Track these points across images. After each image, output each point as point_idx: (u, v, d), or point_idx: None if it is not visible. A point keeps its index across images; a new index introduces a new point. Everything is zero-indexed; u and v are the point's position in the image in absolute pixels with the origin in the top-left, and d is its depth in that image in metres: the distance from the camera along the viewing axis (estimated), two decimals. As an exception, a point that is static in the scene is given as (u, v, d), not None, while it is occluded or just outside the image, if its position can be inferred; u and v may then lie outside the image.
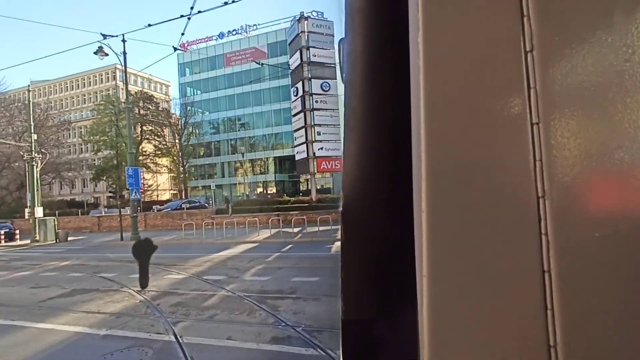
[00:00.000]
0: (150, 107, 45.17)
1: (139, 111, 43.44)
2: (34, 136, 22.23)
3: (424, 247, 0.45)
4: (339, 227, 0.62)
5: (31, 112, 22.08)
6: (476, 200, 0.44)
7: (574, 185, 0.41)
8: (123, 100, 38.85)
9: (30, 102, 21.87)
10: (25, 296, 8.26)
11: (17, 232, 22.60)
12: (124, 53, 19.08)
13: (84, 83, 59.67)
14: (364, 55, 0.61)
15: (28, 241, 21.80)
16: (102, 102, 44.81)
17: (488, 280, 0.43)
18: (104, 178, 43.81)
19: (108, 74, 56.18)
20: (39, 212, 22.04)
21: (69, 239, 21.52)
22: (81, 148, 53.18)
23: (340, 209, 0.61)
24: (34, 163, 21.82)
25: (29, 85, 21.58)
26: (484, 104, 0.44)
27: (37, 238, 21.59)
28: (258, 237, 16.86)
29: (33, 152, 21.71)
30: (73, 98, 59.51)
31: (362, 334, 0.64)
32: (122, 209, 22.44)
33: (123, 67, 19.24)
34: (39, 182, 22.50)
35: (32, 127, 22.22)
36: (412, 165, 0.49)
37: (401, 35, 0.53)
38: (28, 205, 22.20)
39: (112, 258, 13.26)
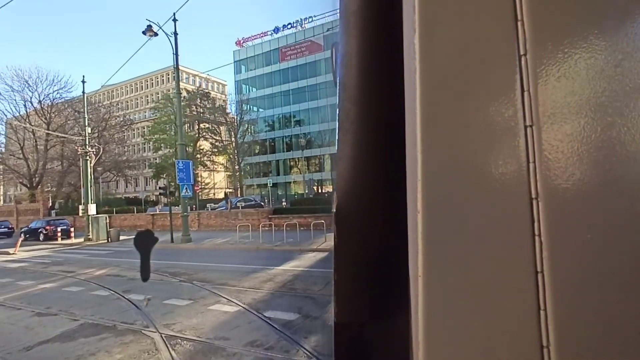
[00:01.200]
0: (207, 104, 44.23)
1: (196, 108, 42.62)
2: (88, 129, 20.85)
3: (419, 248, 0.45)
4: (332, 230, 0.60)
5: (85, 104, 20.67)
6: (471, 201, 0.44)
7: (566, 186, 0.41)
8: (183, 95, 38.32)
9: (85, 95, 20.47)
10: (14, 334, 5.57)
11: (72, 229, 21.33)
12: (175, 34, 16.79)
13: (146, 85, 60.94)
14: (358, 57, 0.59)
15: (81, 239, 20.44)
16: (162, 101, 44.57)
17: (482, 281, 0.43)
18: (164, 176, 43.52)
19: (168, 74, 56.67)
20: (92, 209, 20.63)
21: (121, 238, 19.79)
22: (143, 147, 53.97)
23: (334, 211, 0.59)
24: (87, 157, 20.37)
25: (83, 77, 20.21)
26: (479, 106, 0.44)
27: (90, 236, 20.12)
28: (326, 243, 13.50)
29: (87, 146, 20.25)
30: (137, 100, 60.96)
31: (355, 337, 0.63)
32: (175, 207, 20.39)
33: (174, 45, 16.95)
34: (92, 177, 21.05)
35: (86, 119, 20.83)
36: (407, 166, 0.49)
37: (396, 38, 0.53)
38: (82, 201, 20.83)
39: (153, 268, 10.65)
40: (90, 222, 20.21)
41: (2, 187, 48.25)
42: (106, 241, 19.45)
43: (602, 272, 0.40)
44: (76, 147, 22.70)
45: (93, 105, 38.61)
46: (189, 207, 19.17)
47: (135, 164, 47.33)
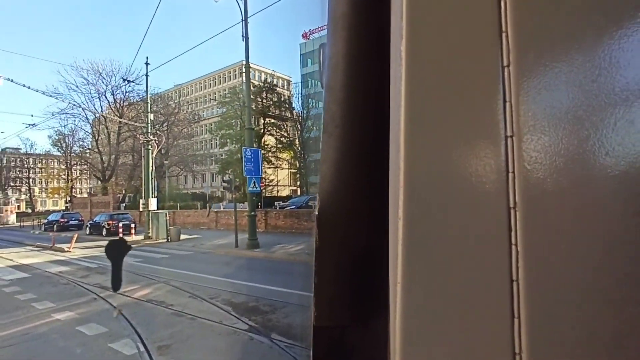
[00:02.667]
0: (273, 98, 41.99)
1: (261, 101, 40.52)
2: (151, 116, 18.68)
3: (399, 254, 0.45)
4: (314, 232, 0.59)
5: (148, 89, 18.46)
6: (450, 209, 0.44)
7: (544, 197, 0.41)
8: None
9: (148, 78, 18.28)
10: None
11: (133, 226, 19.36)
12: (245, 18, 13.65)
13: (214, 82, 60.82)
14: (345, 60, 0.59)
15: (141, 237, 18.29)
16: (229, 95, 43.21)
17: (459, 287, 0.44)
18: (229, 171, 42.24)
19: (235, 71, 55.80)
20: (153, 204, 18.40)
21: (182, 237, 17.26)
22: (210, 144, 53.53)
23: (315, 213, 0.59)
24: (149, 147, 18.15)
25: (147, 58, 18.04)
26: (462, 115, 0.45)
27: (150, 234, 17.87)
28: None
29: (148, 134, 18.02)
30: (205, 97, 61.08)
31: (334, 341, 0.63)
32: (240, 204, 17.48)
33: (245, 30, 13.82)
34: (154, 169, 18.84)
35: (149, 105, 18.65)
36: (390, 173, 0.49)
37: (383, 42, 0.52)
38: (143, 195, 18.69)
39: (212, 294, 7.25)
40: (150, 218, 17.97)
41: (83, 180, 50.37)
42: (165, 240, 17.02)
43: (576, 281, 0.40)
44: (138, 136, 20.75)
45: (164, 101, 38.08)
46: (256, 205, 16.03)
47: (202, 158, 46.58)
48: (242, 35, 14.21)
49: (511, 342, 0.41)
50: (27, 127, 16.76)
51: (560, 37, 0.42)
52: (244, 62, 14.68)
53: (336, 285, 0.61)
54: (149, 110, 18.71)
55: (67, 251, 14.62)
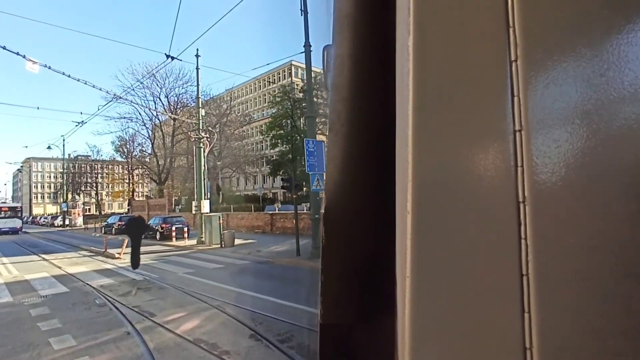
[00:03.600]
0: (324, 95, 39.98)
1: (316, 100, 38.68)
2: (202, 111, 17.26)
3: (408, 248, 0.45)
4: (320, 230, 0.59)
5: (199, 80, 17.02)
6: (459, 203, 0.44)
7: (553, 191, 0.41)
8: (298, 90, 34.90)
9: (198, 70, 16.86)
10: None
11: (186, 229, 18.02)
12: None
13: (264, 84, 60.28)
14: (351, 59, 0.59)
15: (194, 241, 16.86)
16: (279, 94, 41.94)
17: (469, 282, 0.43)
18: (280, 172, 40.96)
19: (285, 71, 54.73)
20: (206, 206, 16.92)
21: (236, 242, 15.53)
22: (260, 145, 52.84)
23: (322, 212, 0.60)
24: (201, 145, 16.69)
25: (197, 50, 16.60)
26: (470, 109, 0.45)
27: (203, 238, 16.36)
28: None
29: (200, 131, 16.55)
30: (255, 99, 60.75)
31: (341, 339, 0.63)
32: (299, 206, 15.45)
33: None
34: (206, 168, 17.37)
35: (200, 100, 17.21)
36: (397, 168, 0.49)
37: (388, 41, 0.53)
38: (195, 197, 17.28)
39: (278, 331, 5.00)
40: (202, 221, 16.46)
41: (143, 184, 51.86)
42: (219, 246, 15.37)
43: (586, 276, 0.40)
44: (190, 133, 19.49)
45: (216, 103, 37.54)
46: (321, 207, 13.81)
47: (254, 158, 45.76)
48: (301, 9, 12.14)
49: (522, 337, 0.41)
50: (77, 125, 16.01)
51: (567, 31, 0.41)
52: (304, 43, 12.57)
53: (343, 284, 0.60)
54: (200, 105, 17.32)
55: (117, 257, 13.39)
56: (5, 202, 38.81)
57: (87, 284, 9.03)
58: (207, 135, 17.35)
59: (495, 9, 0.43)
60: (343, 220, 0.59)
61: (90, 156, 57.22)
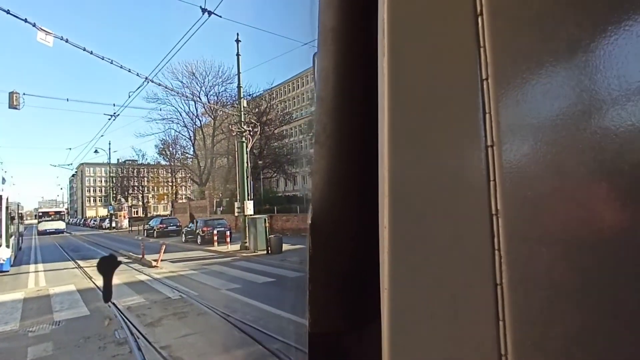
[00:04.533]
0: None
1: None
2: (244, 102, 15.42)
3: (385, 262, 0.46)
4: (307, 240, 0.61)
5: (240, 70, 15.20)
6: (435, 216, 0.45)
7: (525, 203, 0.42)
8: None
9: (239, 57, 15.05)
10: None
11: (229, 233, 16.27)
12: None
13: (304, 82, 58.75)
14: (335, 72, 0.60)
15: (237, 246, 15.05)
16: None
17: (444, 293, 0.44)
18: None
19: (324, 68, 52.78)
20: (249, 207, 15.06)
21: (284, 247, 13.51)
22: (301, 145, 51.23)
23: (309, 222, 0.60)
24: (243, 139, 14.87)
25: (237, 35, 14.80)
26: (444, 126, 0.46)
27: (247, 244, 14.49)
28: None
29: (241, 124, 14.73)
30: (295, 98, 59.37)
31: (330, 347, 0.63)
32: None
33: None
34: (249, 165, 15.51)
35: (241, 89, 15.40)
36: (379, 182, 0.50)
37: (371, 56, 0.53)
38: (237, 198, 15.48)
39: None
40: (246, 224, 14.59)
41: (185, 186, 51.91)
42: (265, 252, 13.42)
43: (558, 284, 0.41)
44: (230, 127, 17.80)
45: (256, 102, 36.24)
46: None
47: (295, 158, 44.11)
48: None
49: (497, 344, 0.42)
50: (109, 119, 14.78)
51: (536, 50, 0.43)
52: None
53: (330, 292, 0.61)
54: (241, 95, 15.52)
55: (155, 266, 11.78)
56: (52, 207, 44.70)
57: (114, 303, 7.28)
58: (249, 129, 15.52)
59: (467, 29, 0.45)
60: (329, 230, 0.60)
61: (136, 160, 58.42)
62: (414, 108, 0.46)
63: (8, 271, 11.46)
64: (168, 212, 42.40)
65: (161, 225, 24.19)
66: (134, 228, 33.60)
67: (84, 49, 10.08)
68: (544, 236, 0.41)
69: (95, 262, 14.00)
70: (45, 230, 31.91)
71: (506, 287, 0.42)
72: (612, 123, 0.41)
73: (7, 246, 10.89)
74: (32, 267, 13.13)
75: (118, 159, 55.36)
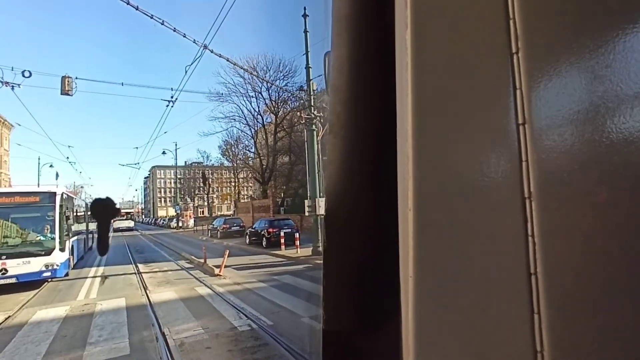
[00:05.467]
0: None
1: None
2: (314, 85, 13.17)
3: (410, 247, 0.43)
4: (321, 234, 0.52)
5: (308, 45, 12.99)
6: (463, 199, 0.42)
7: (560, 186, 0.39)
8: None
9: (307, 33, 12.86)
10: None
11: (297, 235, 14.13)
12: None
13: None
14: (350, 60, 0.58)
15: (308, 250, 12.86)
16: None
17: (474, 282, 0.41)
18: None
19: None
20: (322, 205, 12.73)
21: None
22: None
23: (323, 214, 0.55)
24: (313, 127, 12.63)
25: (304, 9, 12.60)
26: (471, 105, 0.43)
27: (320, 247, 12.17)
28: None
29: (311, 109, 12.48)
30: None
31: (344, 345, 0.60)
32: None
33: None
34: (320, 158, 13.21)
35: (310, 70, 13.18)
36: (398, 165, 0.47)
37: (387, 42, 0.51)
38: (308, 194, 13.28)
39: None
40: (319, 224, 12.31)
41: (247, 187, 51.81)
42: (344, 260, 10.99)
43: (597, 274, 0.38)
44: (299, 114, 15.68)
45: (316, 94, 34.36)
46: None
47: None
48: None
49: (532, 340, 0.38)
50: (167, 105, 13.42)
51: (569, 22, 0.39)
52: None
53: (344, 289, 0.59)
54: (310, 78, 13.31)
55: (218, 275, 9.93)
56: (124, 209, 50.76)
57: (163, 333, 5.30)
58: (320, 114, 13.23)
59: (495, 0, 0.41)
60: (344, 223, 0.58)
61: (202, 162, 59.79)
62: (438, 83, 0.43)
63: (65, 276, 10.32)
64: (231, 212, 42.15)
65: (225, 226, 23.01)
66: (198, 228, 33.43)
67: (152, 16, 8.46)
68: (581, 221, 0.38)
69: (154, 265, 12.71)
70: (119, 227, 36.09)
71: (541, 276, 0.38)
72: None
73: (62, 249, 9.64)
74: (92, 270, 12.07)
75: (185, 162, 57.18)
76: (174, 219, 42.86)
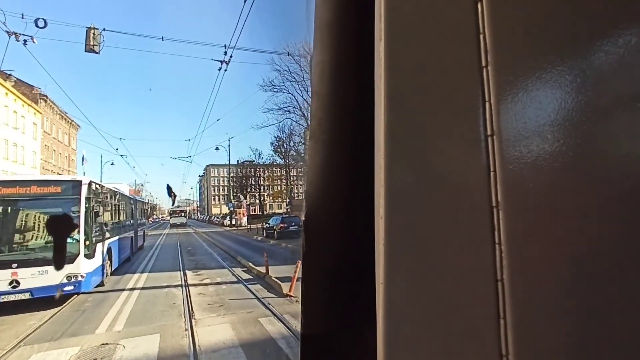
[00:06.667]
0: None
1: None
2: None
3: (381, 254, 0.44)
4: (301, 237, 0.58)
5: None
6: (433, 208, 0.43)
7: (526, 195, 0.40)
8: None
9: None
10: None
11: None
12: None
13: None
14: (331, 67, 0.59)
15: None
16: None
17: (443, 288, 0.42)
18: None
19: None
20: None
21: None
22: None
23: (303, 219, 0.58)
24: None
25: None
26: (442, 116, 0.44)
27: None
28: None
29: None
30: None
31: (323, 349, 0.60)
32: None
33: None
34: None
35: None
36: (375, 173, 0.48)
37: (367, 48, 0.52)
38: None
39: None
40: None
41: (298, 185, 49.76)
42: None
43: (561, 280, 0.39)
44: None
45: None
46: None
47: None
48: None
49: (498, 344, 0.39)
50: (219, 68, 10.91)
51: (537, 36, 0.41)
52: None
53: (323, 292, 0.59)
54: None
55: (288, 295, 7.11)
56: (178, 207, 54.72)
57: None
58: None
59: (466, 15, 0.43)
60: (323, 227, 0.58)
61: (254, 161, 58.88)
62: (412, 96, 0.44)
63: (100, 286, 8.10)
64: (282, 210, 40.14)
65: (282, 225, 20.51)
66: (252, 226, 31.59)
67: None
68: (546, 229, 0.39)
69: (205, 274, 10.29)
70: (175, 223, 39.99)
71: (507, 283, 0.39)
72: (615, 114, 0.39)
73: (90, 255, 7.40)
74: (134, 278, 9.87)
75: (237, 160, 56.55)
76: (227, 217, 41.79)
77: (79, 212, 7.20)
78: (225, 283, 8.89)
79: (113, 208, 10.52)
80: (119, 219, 11.54)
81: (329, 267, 0.58)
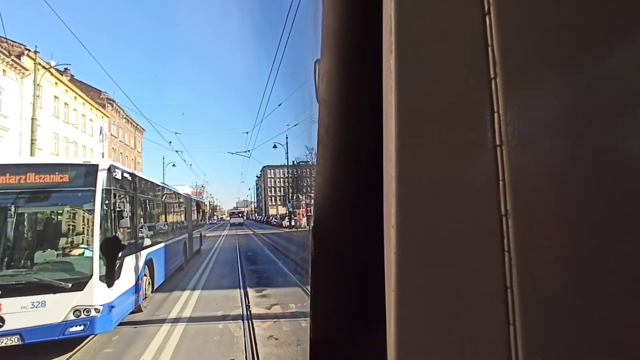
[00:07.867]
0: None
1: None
2: None
3: (392, 262, 0.44)
4: (309, 243, 0.59)
5: None
6: (443, 217, 0.44)
7: (535, 204, 0.41)
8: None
9: None
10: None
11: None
12: None
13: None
14: (338, 75, 0.59)
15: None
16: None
17: (453, 296, 0.43)
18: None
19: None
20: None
21: None
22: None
23: (311, 225, 0.59)
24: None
25: None
26: (452, 127, 0.44)
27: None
28: None
29: None
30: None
31: (332, 354, 0.61)
32: None
33: None
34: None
35: None
36: (384, 183, 0.48)
37: (375, 57, 0.52)
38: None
39: None
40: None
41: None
42: None
43: (570, 288, 0.40)
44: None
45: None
46: None
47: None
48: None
49: (507, 350, 0.40)
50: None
51: (544, 49, 0.42)
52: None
53: (333, 297, 0.59)
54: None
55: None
56: (237, 208, 58.90)
57: None
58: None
59: (474, 28, 0.44)
60: (332, 232, 0.58)
61: (309, 161, 56.74)
62: (421, 106, 0.44)
63: (137, 311, 5.71)
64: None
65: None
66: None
67: None
68: (555, 237, 0.40)
69: (272, 295, 7.56)
70: (233, 222, 42.67)
71: (516, 290, 0.40)
72: (623, 124, 0.40)
73: (110, 277, 4.71)
74: (181, 300, 7.41)
75: (294, 160, 54.99)
76: (286, 217, 39.86)
77: (93, 211, 4.76)
78: (305, 315, 6.03)
79: (153, 206, 8.17)
80: (165, 219, 9.26)
81: (337, 273, 0.59)
